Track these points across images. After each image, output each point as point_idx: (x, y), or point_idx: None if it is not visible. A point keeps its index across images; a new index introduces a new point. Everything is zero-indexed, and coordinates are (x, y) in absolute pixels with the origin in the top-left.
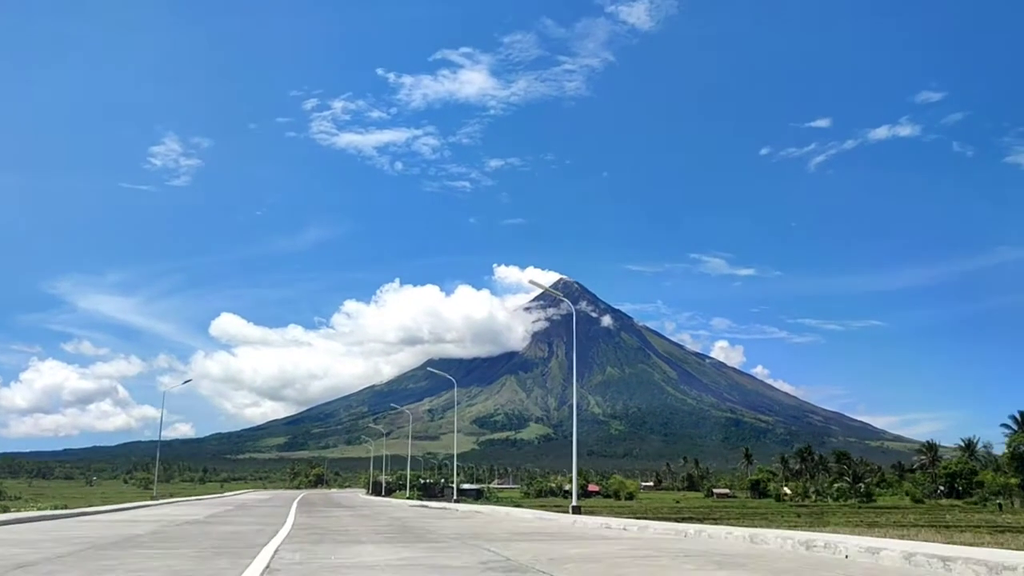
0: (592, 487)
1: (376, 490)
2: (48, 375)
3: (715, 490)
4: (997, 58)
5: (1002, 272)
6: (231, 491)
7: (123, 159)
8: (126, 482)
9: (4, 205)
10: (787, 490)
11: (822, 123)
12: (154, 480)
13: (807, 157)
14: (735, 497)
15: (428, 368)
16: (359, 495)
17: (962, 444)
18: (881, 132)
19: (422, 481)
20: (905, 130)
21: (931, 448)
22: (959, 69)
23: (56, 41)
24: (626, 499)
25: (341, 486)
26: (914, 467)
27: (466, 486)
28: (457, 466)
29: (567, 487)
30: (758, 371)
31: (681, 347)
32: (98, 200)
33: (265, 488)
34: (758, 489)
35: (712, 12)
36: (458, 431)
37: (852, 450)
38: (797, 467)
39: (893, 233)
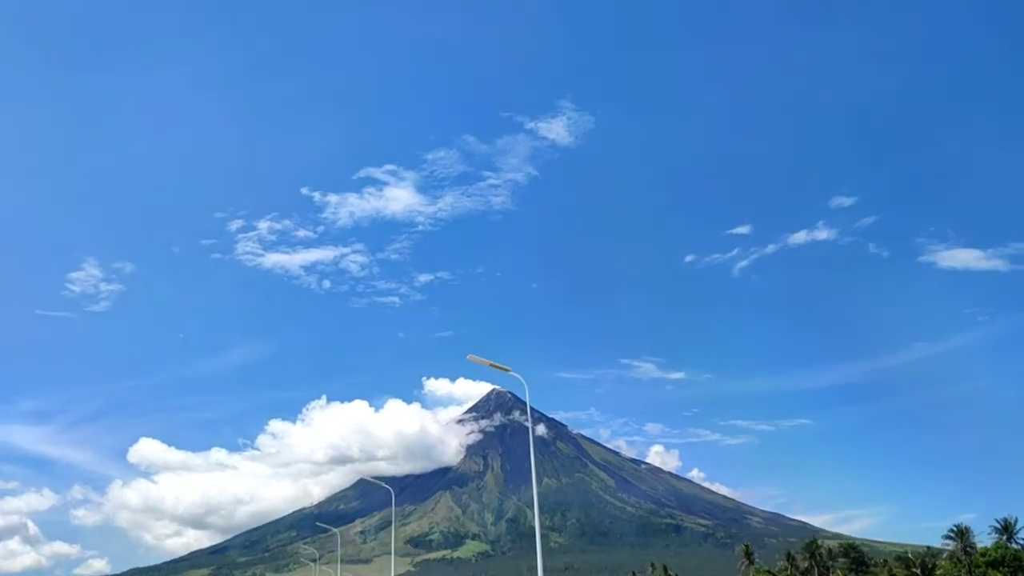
0: None
1: None
2: None
3: None
4: (906, 163)
5: (920, 367)
6: None
7: (41, 286)
8: None
9: None
10: None
11: (743, 230)
12: None
13: (731, 262)
14: None
15: (362, 484)
16: None
17: (997, 526)
18: (800, 236)
19: None
20: (822, 234)
21: (962, 534)
22: (868, 174)
23: None
24: None
25: None
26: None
27: None
28: None
29: None
30: (695, 474)
31: (617, 454)
32: (12, 328)
33: None
34: None
35: (630, 126)
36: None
37: (792, 550)
38: (805, 564)
39: (817, 333)
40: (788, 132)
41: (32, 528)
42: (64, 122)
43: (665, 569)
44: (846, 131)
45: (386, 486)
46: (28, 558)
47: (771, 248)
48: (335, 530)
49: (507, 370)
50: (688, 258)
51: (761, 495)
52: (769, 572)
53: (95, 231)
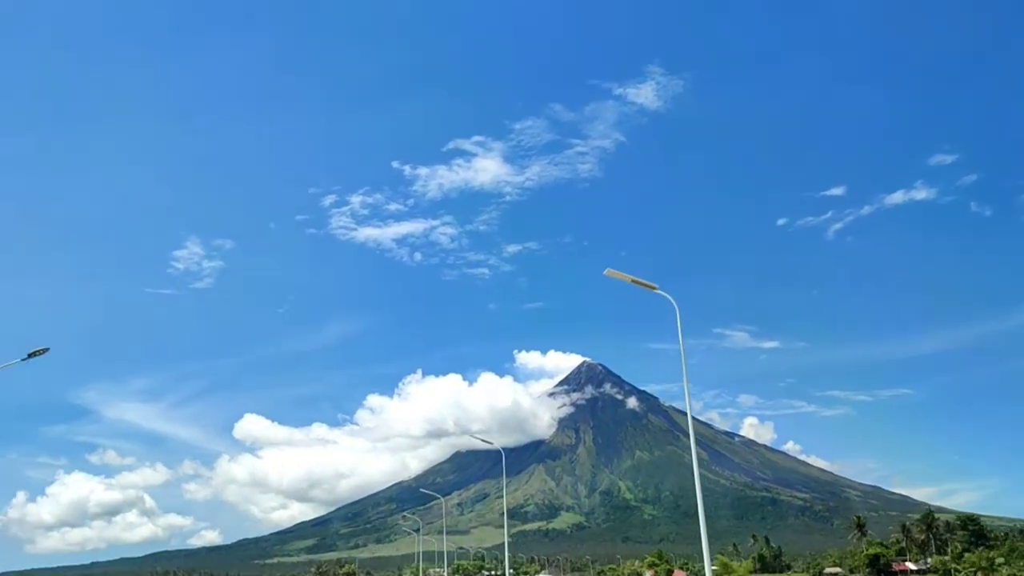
0: (678, 572)
1: None
2: (74, 488)
3: (827, 570)
4: (1009, 117)
5: None
6: None
7: (146, 264)
8: None
9: (27, 315)
10: (911, 565)
11: (837, 191)
12: None
13: (824, 225)
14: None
15: (457, 457)
16: None
17: None
18: (897, 197)
19: (486, 573)
20: (921, 193)
21: None
22: (972, 130)
23: (79, 151)
24: None
25: None
26: None
27: None
28: (495, 558)
29: (647, 574)
30: (789, 447)
31: (710, 426)
32: (122, 306)
33: None
34: (877, 566)
35: (720, 88)
36: (488, 523)
37: (893, 524)
38: (922, 537)
39: (917, 298)
40: (884, 88)
41: (148, 501)
42: (163, 107)
43: (767, 540)
44: (946, 85)
45: (489, 443)
46: (146, 529)
47: (867, 209)
48: (441, 498)
49: (653, 287)
50: (780, 222)
51: (859, 468)
52: (882, 544)
53: (196, 210)
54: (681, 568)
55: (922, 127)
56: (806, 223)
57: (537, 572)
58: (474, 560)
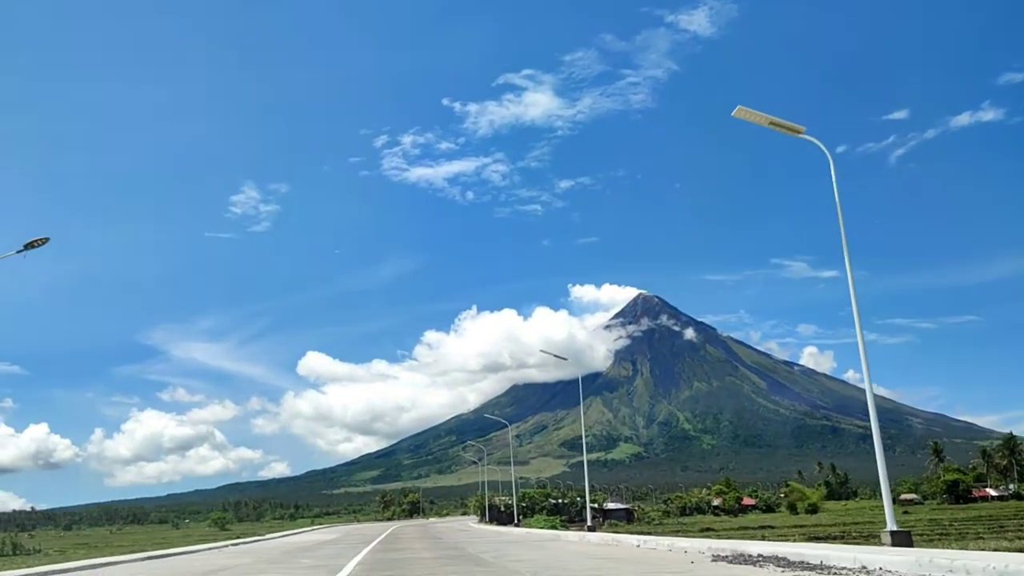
0: (747, 500)
1: (494, 517)
2: (148, 424)
3: (903, 496)
4: None
5: None
6: (317, 526)
7: (206, 209)
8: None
9: (98, 260)
10: (991, 491)
11: (899, 115)
12: (231, 521)
13: (886, 151)
14: (925, 503)
15: (514, 390)
16: (475, 525)
17: None
18: (963, 119)
19: (553, 502)
20: (988, 115)
21: None
22: None
23: (140, 101)
24: (807, 512)
25: (439, 514)
26: None
27: (612, 505)
28: (556, 487)
29: (715, 502)
30: (850, 376)
31: (769, 356)
32: (185, 250)
33: (358, 521)
34: (956, 492)
35: (775, 11)
36: (547, 454)
37: (959, 451)
38: (1004, 462)
39: (983, 223)
40: (947, 4)
41: (219, 436)
42: (216, 56)
43: (833, 468)
44: None
45: (564, 358)
46: (218, 462)
47: (931, 133)
48: (507, 425)
49: (799, 130)
50: (840, 149)
51: (922, 396)
52: (959, 470)
53: (251, 156)
54: (750, 496)
55: (989, 44)
56: (867, 149)
57: (604, 500)
58: (538, 488)
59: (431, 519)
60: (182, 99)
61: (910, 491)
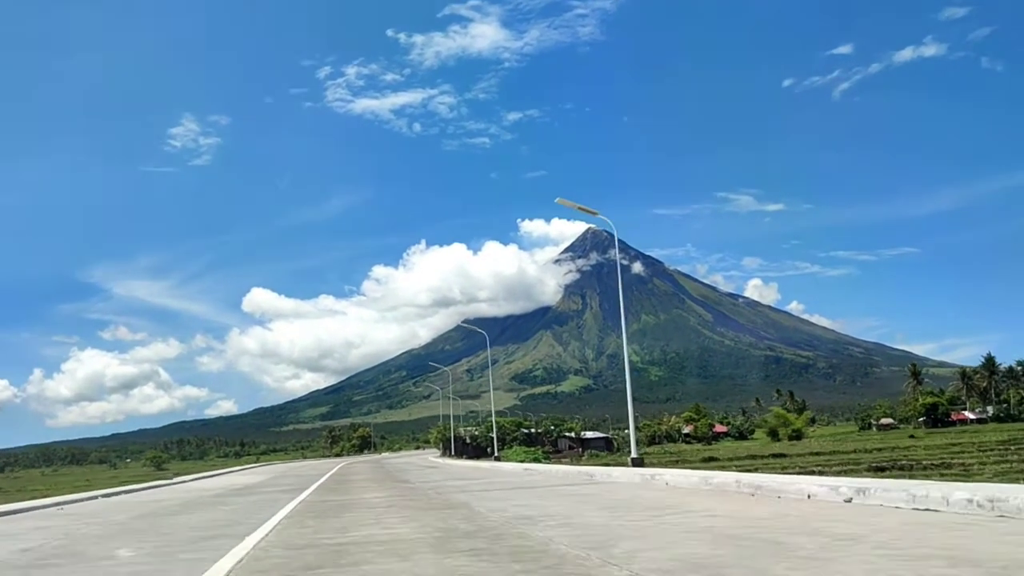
0: (718, 427)
1: (461, 450)
2: (89, 364)
3: (882, 420)
4: None
5: None
6: (258, 464)
7: (143, 143)
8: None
9: (32, 195)
10: (969, 414)
11: (844, 49)
12: (167, 460)
13: (831, 85)
14: (902, 427)
15: (462, 326)
16: (441, 460)
17: None
18: (906, 54)
19: (525, 432)
20: (930, 50)
21: None
22: None
23: (68, 31)
24: (790, 439)
25: (391, 449)
26: None
27: (590, 434)
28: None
29: (685, 429)
30: (793, 307)
31: (714, 289)
32: (123, 186)
33: (304, 458)
34: (934, 416)
35: None
36: (498, 388)
37: (896, 379)
38: (983, 384)
39: (924, 157)
40: None
41: (163, 374)
42: None
43: (792, 395)
44: None
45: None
46: (163, 401)
47: (874, 68)
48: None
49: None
50: (786, 83)
51: (862, 326)
52: (932, 393)
53: (189, 88)
54: (721, 423)
55: None
56: (812, 83)
57: (581, 429)
58: (511, 419)
59: (383, 454)
60: (118, 28)
61: (886, 415)
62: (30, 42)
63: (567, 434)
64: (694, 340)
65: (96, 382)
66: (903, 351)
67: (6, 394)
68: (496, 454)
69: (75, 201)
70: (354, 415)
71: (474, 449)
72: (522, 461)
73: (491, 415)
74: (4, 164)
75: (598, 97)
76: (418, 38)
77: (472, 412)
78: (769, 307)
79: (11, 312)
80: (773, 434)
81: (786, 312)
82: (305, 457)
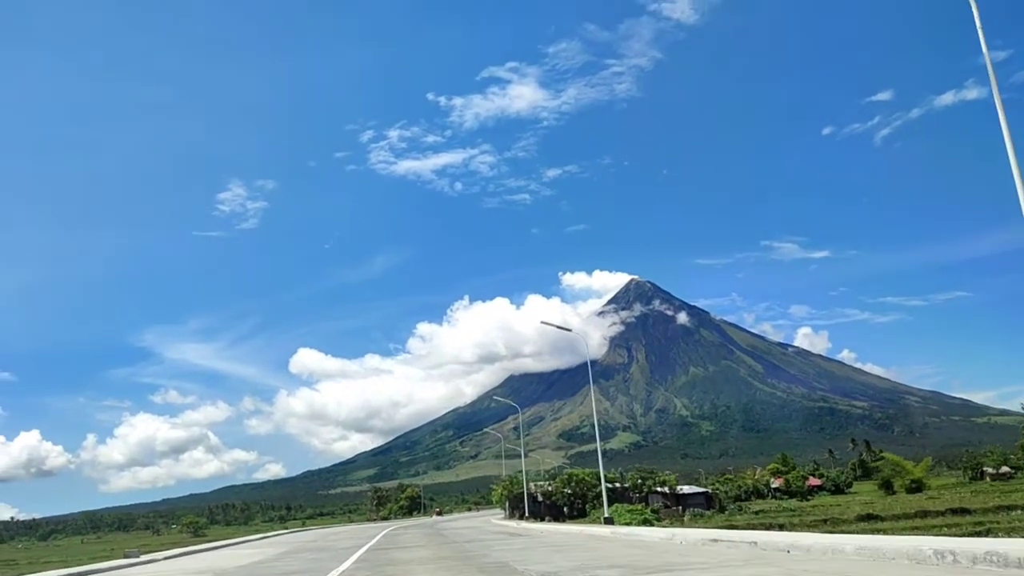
0: (813, 480)
1: (535, 511)
2: (141, 428)
3: (987, 470)
4: None
5: None
6: (303, 528)
7: (193, 208)
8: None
9: (88, 264)
10: None
11: (884, 96)
12: (205, 525)
13: (872, 131)
14: (1019, 476)
15: (511, 381)
16: (515, 523)
17: None
18: (947, 98)
19: (610, 486)
20: (972, 93)
21: None
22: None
23: (120, 102)
24: (909, 491)
25: (443, 511)
26: None
27: (687, 489)
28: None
29: (774, 483)
30: (845, 355)
31: (763, 338)
32: (173, 250)
33: (350, 521)
34: None
35: None
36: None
37: (957, 429)
38: None
39: (970, 199)
40: None
41: (213, 438)
42: (198, 54)
43: (868, 445)
44: None
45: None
46: (212, 465)
47: (915, 113)
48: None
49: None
50: (826, 131)
51: (917, 374)
52: None
53: (237, 153)
54: (813, 474)
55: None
56: (852, 130)
57: (676, 483)
58: (589, 470)
59: (434, 516)
60: (167, 98)
61: (995, 464)
62: (81, 114)
63: (659, 488)
64: (745, 392)
65: (147, 447)
66: (962, 399)
67: (61, 460)
68: (606, 514)
69: (128, 266)
70: (401, 476)
71: (548, 508)
72: (628, 523)
73: (539, 472)
74: (60, 234)
75: (636, 151)
76: (458, 100)
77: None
78: (820, 356)
79: (66, 378)
80: (887, 485)
81: (838, 361)
82: (351, 521)
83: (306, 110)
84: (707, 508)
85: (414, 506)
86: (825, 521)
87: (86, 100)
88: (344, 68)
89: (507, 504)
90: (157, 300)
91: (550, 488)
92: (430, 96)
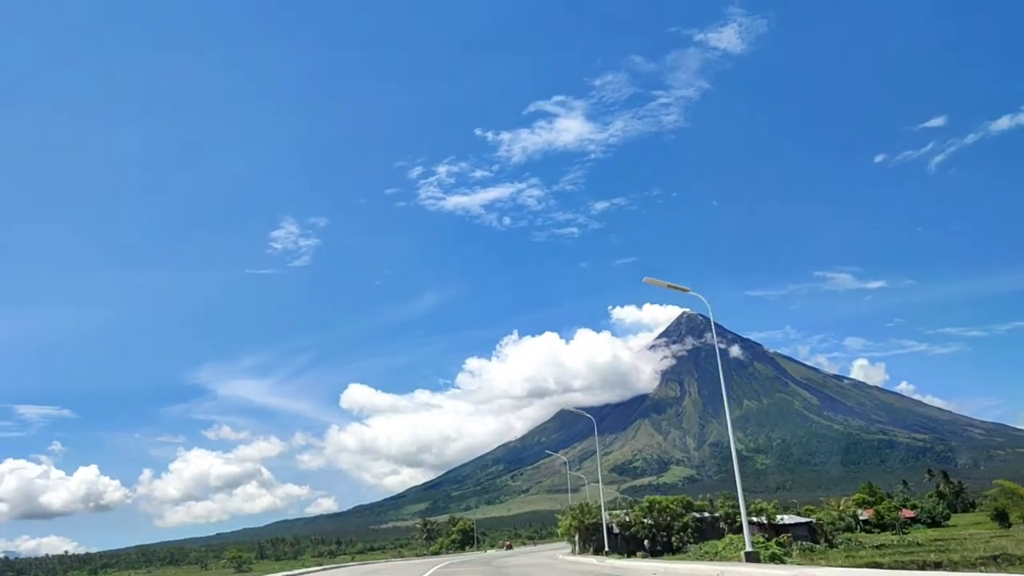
0: (906, 512)
1: (616, 546)
2: (195, 463)
3: None
4: None
5: None
6: (352, 563)
7: (246, 246)
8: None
9: (144, 304)
10: None
11: (937, 122)
12: (250, 560)
13: (926, 159)
14: None
15: (562, 415)
16: (579, 558)
17: None
18: (1003, 123)
19: (697, 516)
20: None
21: None
22: None
23: (172, 143)
24: None
25: (496, 545)
26: None
27: (788, 519)
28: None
29: (863, 515)
30: (903, 388)
31: (818, 371)
32: (227, 288)
33: (402, 556)
34: None
35: (804, 24)
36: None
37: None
38: None
39: None
40: (979, 9)
41: (266, 473)
42: (253, 93)
43: (946, 476)
44: None
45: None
46: (265, 500)
47: (970, 138)
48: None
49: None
50: (878, 159)
51: (979, 406)
52: None
53: (289, 192)
54: (904, 506)
55: None
56: (905, 157)
57: (774, 513)
58: (676, 497)
59: (489, 551)
60: (218, 138)
61: None
62: (136, 153)
63: (754, 518)
64: (801, 425)
65: (201, 481)
66: None
67: (118, 495)
68: (749, 547)
69: (183, 305)
70: (453, 510)
71: (625, 541)
72: (771, 558)
73: (606, 502)
74: (116, 274)
75: (685, 183)
76: (505, 135)
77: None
78: (877, 388)
79: (123, 414)
80: (1001, 517)
81: (896, 393)
82: (402, 555)
83: (357, 147)
84: (811, 540)
85: (466, 540)
86: (995, 559)
87: (139, 140)
88: (393, 105)
89: (577, 537)
90: (211, 338)
91: (627, 518)
92: (477, 131)
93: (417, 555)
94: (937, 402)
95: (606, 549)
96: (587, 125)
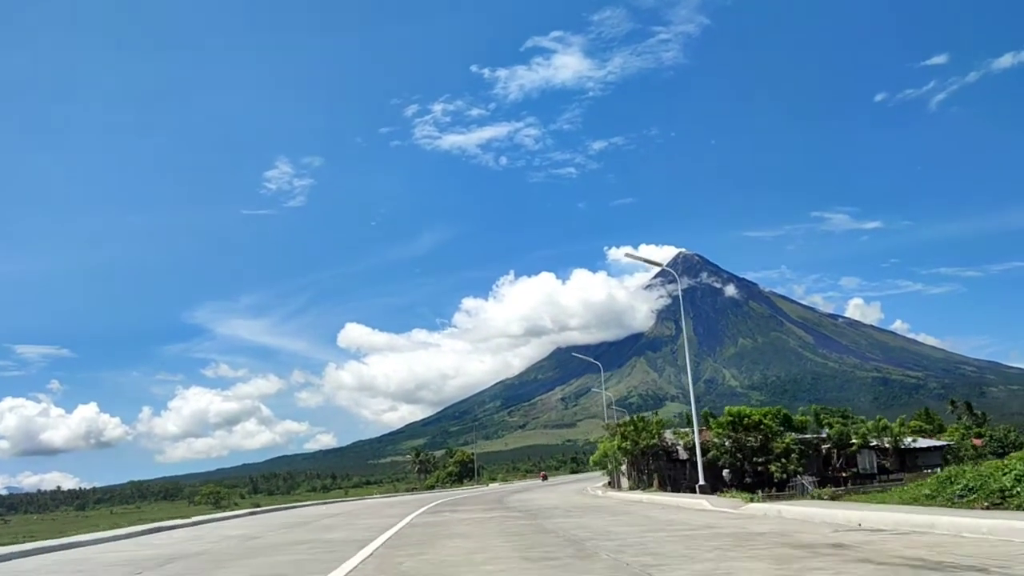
0: (976, 440)
1: (665, 478)
2: (194, 401)
3: None
4: None
5: None
6: (347, 498)
7: (241, 187)
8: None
9: (141, 244)
10: None
11: (939, 60)
12: (224, 496)
13: (926, 97)
14: None
15: (558, 353)
16: (655, 497)
17: None
18: (1005, 60)
19: (799, 436)
20: None
21: None
22: None
23: (164, 83)
24: None
25: (501, 478)
26: None
27: (924, 442)
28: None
29: (911, 442)
30: (898, 327)
31: (814, 310)
32: (223, 229)
33: (395, 491)
34: None
35: None
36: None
37: (1016, 398)
38: None
39: None
40: None
41: (264, 410)
42: (245, 31)
43: (969, 407)
44: None
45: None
46: (264, 436)
47: (972, 76)
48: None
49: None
50: (879, 97)
51: (972, 344)
52: None
53: (282, 131)
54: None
55: None
56: (906, 96)
57: (902, 433)
58: (766, 408)
59: (491, 485)
60: (211, 77)
61: None
62: (128, 94)
63: (874, 441)
64: (796, 363)
65: (201, 419)
66: (1019, 369)
67: (118, 432)
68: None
69: (180, 245)
70: (451, 446)
71: (694, 470)
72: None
73: (568, 447)
74: (113, 215)
75: (684, 121)
76: (502, 72)
77: (569, 441)
78: (873, 327)
79: (122, 353)
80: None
81: (891, 332)
82: (396, 490)
83: (351, 85)
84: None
85: (465, 473)
86: None
87: (133, 81)
88: (387, 42)
89: (627, 465)
90: (208, 278)
91: (691, 442)
92: (473, 68)
93: (409, 490)
94: (932, 340)
95: (700, 483)
96: (585, 62)
